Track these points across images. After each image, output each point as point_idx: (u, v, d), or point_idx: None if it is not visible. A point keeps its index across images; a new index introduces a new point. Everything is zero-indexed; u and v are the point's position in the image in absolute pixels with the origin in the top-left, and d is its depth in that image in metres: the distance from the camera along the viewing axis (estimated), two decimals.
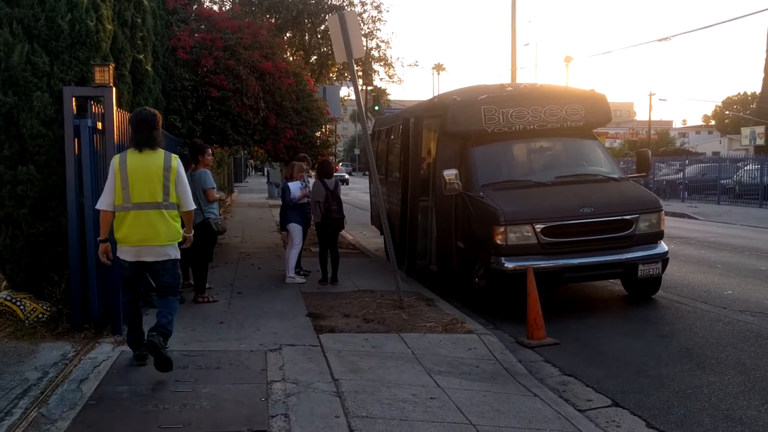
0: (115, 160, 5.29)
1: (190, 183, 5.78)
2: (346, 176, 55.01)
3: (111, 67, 6.36)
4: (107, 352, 5.79)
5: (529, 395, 5.25)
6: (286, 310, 7.71)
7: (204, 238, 7.87)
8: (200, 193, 7.97)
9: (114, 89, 6.32)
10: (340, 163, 51.78)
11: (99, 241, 5.43)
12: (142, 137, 5.25)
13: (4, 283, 6.85)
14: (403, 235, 10.16)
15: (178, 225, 5.38)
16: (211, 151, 8.71)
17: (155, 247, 5.24)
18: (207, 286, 8.62)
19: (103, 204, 5.27)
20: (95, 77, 6.24)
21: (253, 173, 72.36)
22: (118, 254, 5.37)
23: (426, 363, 5.84)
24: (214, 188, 8.14)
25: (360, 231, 16.86)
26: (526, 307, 6.83)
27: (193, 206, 5.61)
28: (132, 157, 5.23)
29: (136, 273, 5.39)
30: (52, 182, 6.32)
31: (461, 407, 4.81)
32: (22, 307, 6.43)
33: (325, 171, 9.59)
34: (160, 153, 5.31)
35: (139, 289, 5.54)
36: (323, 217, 9.33)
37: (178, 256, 5.47)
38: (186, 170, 5.83)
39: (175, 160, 5.38)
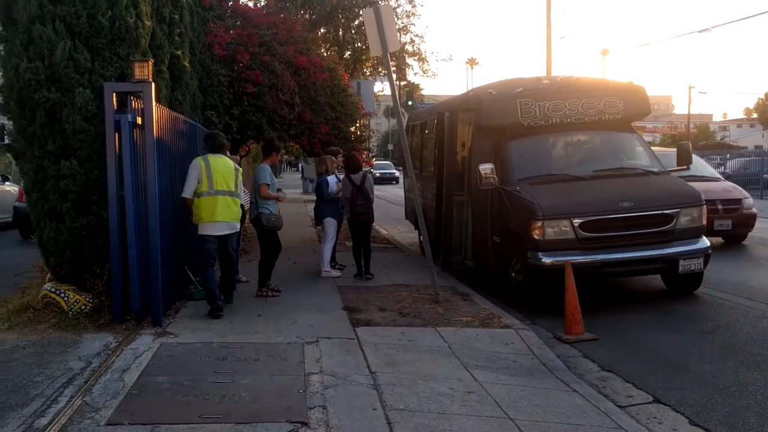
0: (199, 160, 7.15)
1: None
2: (396, 173, 44.46)
3: (150, 62, 6.45)
4: (148, 343, 5.89)
5: (568, 390, 5.19)
6: (322, 303, 7.75)
7: (260, 232, 8.26)
8: (256, 188, 8.19)
9: (153, 85, 6.41)
10: (374, 158, 50.42)
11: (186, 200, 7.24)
12: (215, 145, 7.40)
13: (48, 275, 7.01)
14: (438, 230, 10.12)
15: (239, 208, 7.39)
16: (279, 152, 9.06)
17: (230, 223, 7.25)
18: (244, 279, 8.76)
19: (186, 193, 7.13)
20: (135, 73, 6.32)
21: (287, 169, 72.82)
22: (204, 232, 7.11)
23: (463, 357, 5.81)
24: (267, 185, 8.24)
25: (394, 226, 16.87)
26: (563, 302, 6.75)
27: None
28: (212, 158, 7.22)
29: (218, 244, 7.20)
30: (93, 176, 6.44)
31: (499, 401, 4.77)
32: (65, 299, 6.57)
33: (351, 166, 9.58)
34: (227, 158, 7.49)
35: (217, 256, 7.35)
36: (351, 212, 9.35)
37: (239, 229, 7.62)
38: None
39: (236, 164, 7.61)
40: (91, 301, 6.60)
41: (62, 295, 6.60)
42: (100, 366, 5.26)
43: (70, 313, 6.49)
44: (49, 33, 6.28)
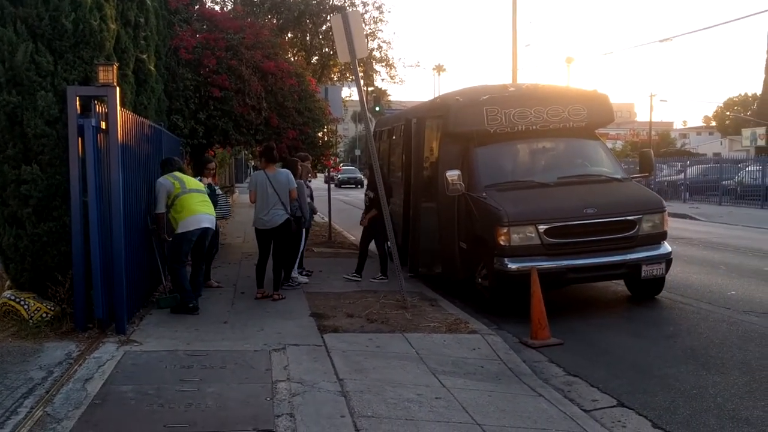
0: (166, 177, 7.42)
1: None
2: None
3: (114, 66, 6.36)
4: (111, 351, 5.78)
5: (534, 395, 5.25)
6: (289, 310, 7.71)
7: (287, 234, 8.44)
8: (286, 193, 8.30)
9: (117, 89, 6.30)
10: (341, 164, 50.29)
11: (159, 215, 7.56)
12: (174, 168, 7.69)
13: (8, 282, 6.84)
14: (405, 236, 10.15)
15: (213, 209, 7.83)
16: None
17: (210, 216, 7.64)
18: (216, 284, 8.81)
19: (160, 208, 7.40)
20: (99, 77, 6.22)
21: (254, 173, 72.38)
22: (186, 228, 7.28)
23: (430, 363, 5.84)
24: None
25: (361, 231, 16.82)
26: (529, 308, 6.83)
27: None
28: (176, 173, 7.55)
29: (196, 242, 7.47)
30: (55, 182, 6.31)
31: (466, 407, 4.80)
32: (26, 307, 6.42)
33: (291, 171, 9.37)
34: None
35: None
36: None
37: None
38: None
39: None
40: (52, 309, 6.46)
41: (22, 303, 6.45)
42: (62, 375, 5.15)
43: (31, 321, 6.34)
44: (9, 35, 6.15)
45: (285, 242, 8.51)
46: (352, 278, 9.63)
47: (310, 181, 10.61)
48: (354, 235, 16.00)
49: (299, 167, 9.54)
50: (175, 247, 7.44)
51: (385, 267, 9.67)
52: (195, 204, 7.42)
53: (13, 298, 6.50)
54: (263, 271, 8.48)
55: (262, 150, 9.05)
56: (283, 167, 9.41)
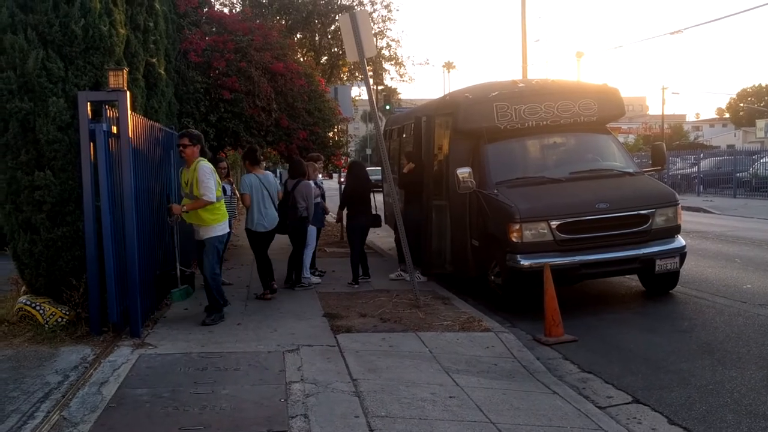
0: (210, 165, 7.16)
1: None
2: None
3: (125, 71, 6.39)
4: (126, 355, 5.82)
5: (549, 393, 5.22)
6: (302, 310, 7.73)
7: (264, 239, 8.53)
8: (276, 194, 8.47)
9: (128, 93, 6.34)
10: None
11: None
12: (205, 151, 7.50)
13: (23, 287, 6.90)
14: (417, 235, 10.12)
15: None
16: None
17: None
18: (227, 282, 8.82)
19: (216, 196, 7.03)
20: (109, 82, 6.26)
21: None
22: (225, 230, 7.33)
23: (444, 362, 5.83)
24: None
25: (373, 231, 16.82)
26: (542, 305, 6.80)
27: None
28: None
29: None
30: (68, 187, 6.35)
31: (480, 406, 4.79)
32: (41, 312, 6.47)
33: (291, 171, 9.31)
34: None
35: None
36: None
37: None
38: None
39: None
40: (67, 313, 6.51)
41: (38, 307, 6.50)
42: (77, 379, 5.19)
43: (47, 326, 6.40)
44: (20, 42, 6.19)
45: (269, 243, 8.56)
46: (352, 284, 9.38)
47: (322, 182, 10.66)
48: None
49: (308, 168, 9.56)
50: (214, 252, 7.13)
51: (356, 274, 9.41)
52: (225, 208, 7.47)
53: (28, 303, 6.56)
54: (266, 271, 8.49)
55: (245, 152, 8.99)
56: (290, 167, 9.46)
